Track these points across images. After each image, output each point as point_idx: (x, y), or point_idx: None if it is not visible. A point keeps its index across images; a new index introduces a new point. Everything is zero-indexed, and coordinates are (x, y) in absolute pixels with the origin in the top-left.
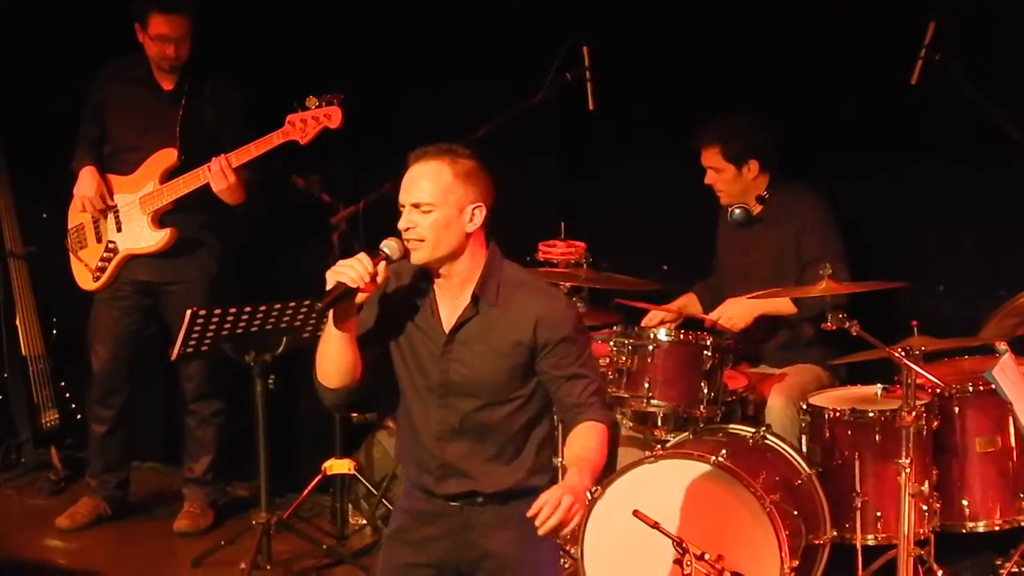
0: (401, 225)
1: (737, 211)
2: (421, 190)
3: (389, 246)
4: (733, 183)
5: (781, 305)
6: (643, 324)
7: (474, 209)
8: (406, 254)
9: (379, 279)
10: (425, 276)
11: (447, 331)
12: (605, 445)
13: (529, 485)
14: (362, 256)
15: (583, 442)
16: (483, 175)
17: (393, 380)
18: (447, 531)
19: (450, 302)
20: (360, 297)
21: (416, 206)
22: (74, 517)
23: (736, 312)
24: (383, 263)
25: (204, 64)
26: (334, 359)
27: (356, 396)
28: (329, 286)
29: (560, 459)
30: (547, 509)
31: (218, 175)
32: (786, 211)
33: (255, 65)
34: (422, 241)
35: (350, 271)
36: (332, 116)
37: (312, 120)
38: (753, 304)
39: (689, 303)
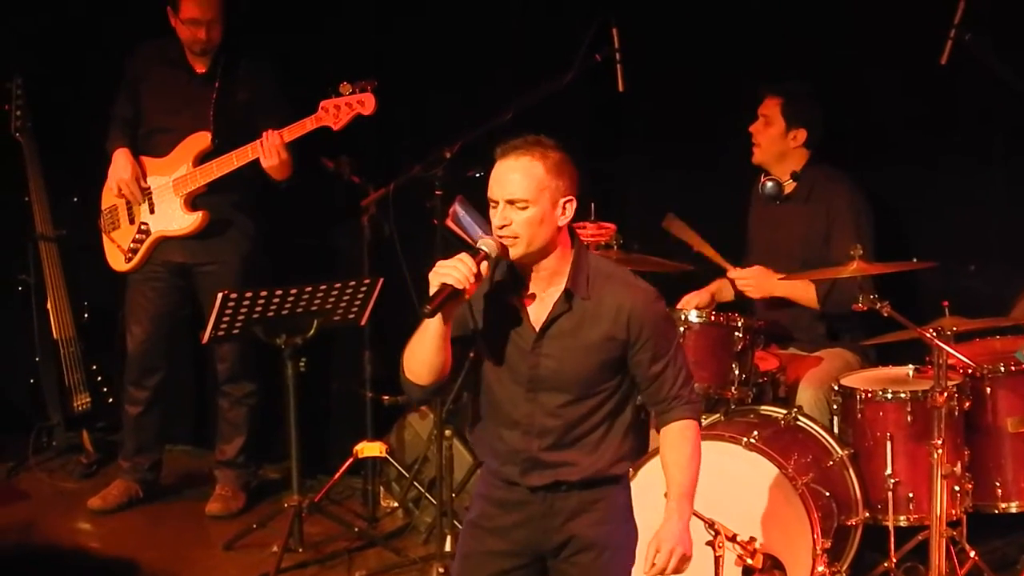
0: (496, 222)
1: (769, 184)
2: (516, 186)
3: (488, 244)
4: (775, 142)
5: (804, 295)
6: (677, 308)
7: (565, 203)
8: (503, 251)
9: (481, 279)
10: (510, 269)
11: (537, 325)
12: (698, 446)
13: (612, 473)
14: (464, 256)
15: (676, 456)
16: (571, 166)
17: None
18: (529, 518)
19: (538, 295)
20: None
21: (511, 202)
22: (106, 498)
23: (759, 283)
24: (484, 263)
25: (238, 46)
26: (428, 359)
27: (442, 390)
28: (433, 288)
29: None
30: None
31: (271, 150)
32: (818, 195)
33: (288, 47)
34: (517, 238)
35: (455, 272)
36: (365, 103)
37: (345, 106)
38: (776, 284)
39: (722, 288)
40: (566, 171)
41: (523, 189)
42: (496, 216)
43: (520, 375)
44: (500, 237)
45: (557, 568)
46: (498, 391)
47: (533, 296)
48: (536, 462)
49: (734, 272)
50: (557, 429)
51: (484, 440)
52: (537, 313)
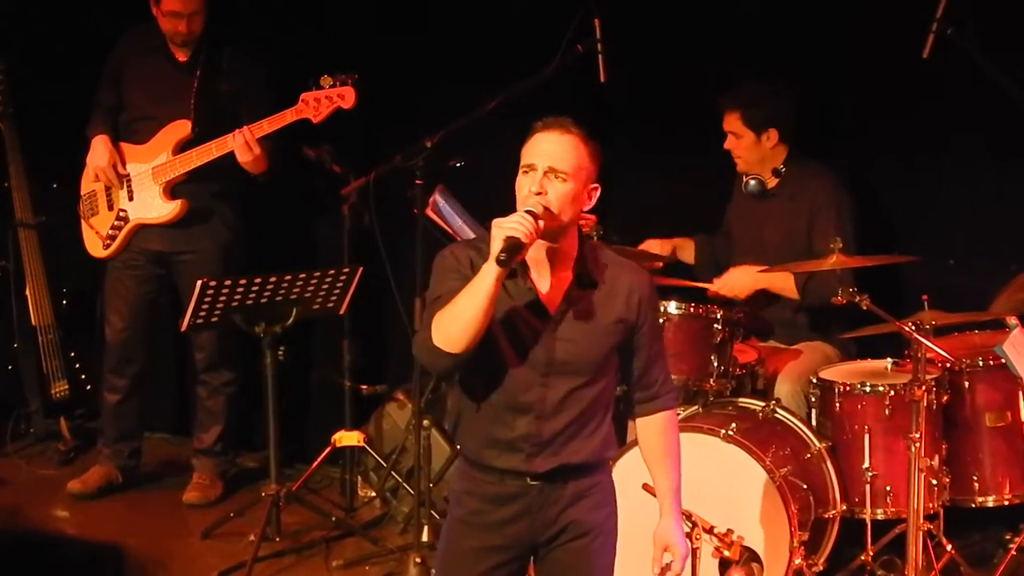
0: (533, 188)
1: (752, 182)
2: (560, 157)
3: (535, 206)
4: (751, 151)
5: (783, 284)
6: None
7: (592, 190)
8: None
9: (538, 237)
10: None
11: (552, 308)
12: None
13: (606, 455)
14: (524, 214)
15: (670, 446)
16: (600, 157)
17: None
18: (526, 509)
19: (547, 279)
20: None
21: (553, 171)
22: (86, 482)
23: (738, 282)
24: (540, 222)
25: (220, 35)
26: (475, 320)
27: (464, 366)
28: (497, 242)
29: None
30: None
31: (243, 148)
32: (801, 189)
33: (272, 38)
34: (548, 207)
35: (520, 227)
36: (346, 96)
37: (326, 99)
38: (756, 276)
39: (684, 246)
40: (598, 159)
41: (567, 162)
42: (533, 182)
43: (535, 359)
44: (529, 203)
45: (549, 557)
46: (509, 375)
47: (545, 279)
48: (545, 446)
49: (715, 285)
50: (568, 412)
51: (477, 432)
52: (551, 296)
